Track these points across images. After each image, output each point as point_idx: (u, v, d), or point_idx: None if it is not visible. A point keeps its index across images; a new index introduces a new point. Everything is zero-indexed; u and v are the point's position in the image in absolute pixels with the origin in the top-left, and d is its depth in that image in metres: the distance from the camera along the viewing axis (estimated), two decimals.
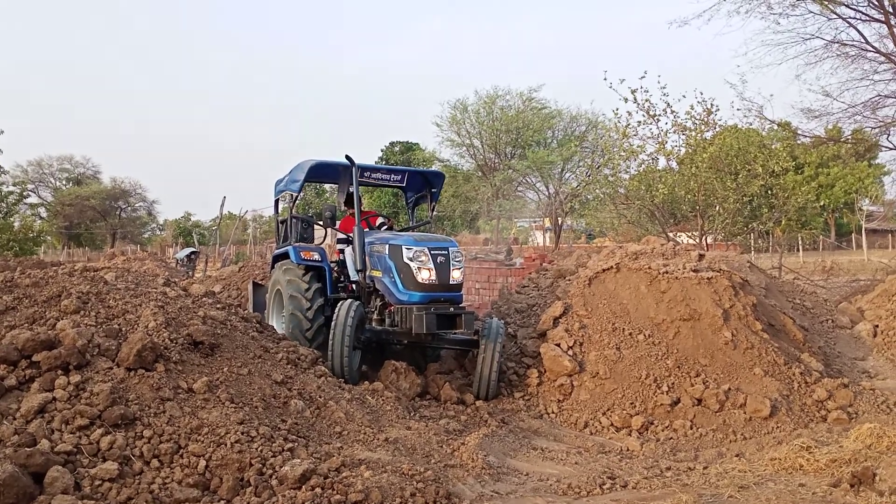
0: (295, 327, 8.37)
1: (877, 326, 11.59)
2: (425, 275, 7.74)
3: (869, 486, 5.39)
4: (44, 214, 57.94)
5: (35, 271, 6.74)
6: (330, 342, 7.51)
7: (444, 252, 7.87)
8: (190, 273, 24.57)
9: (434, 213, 10.26)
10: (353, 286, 8.99)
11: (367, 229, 9.13)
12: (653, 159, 18.05)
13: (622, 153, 18.16)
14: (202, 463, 4.93)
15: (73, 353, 5.33)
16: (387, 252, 8.00)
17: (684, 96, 18.12)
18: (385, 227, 9.99)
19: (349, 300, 7.91)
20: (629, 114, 17.53)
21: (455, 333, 8.13)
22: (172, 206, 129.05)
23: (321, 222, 9.64)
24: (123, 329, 5.98)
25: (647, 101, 17.24)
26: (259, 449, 5.13)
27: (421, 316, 7.58)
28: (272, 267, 9.72)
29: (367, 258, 8.53)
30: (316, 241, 10.10)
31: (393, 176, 9.84)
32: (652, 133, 17.72)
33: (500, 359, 8.14)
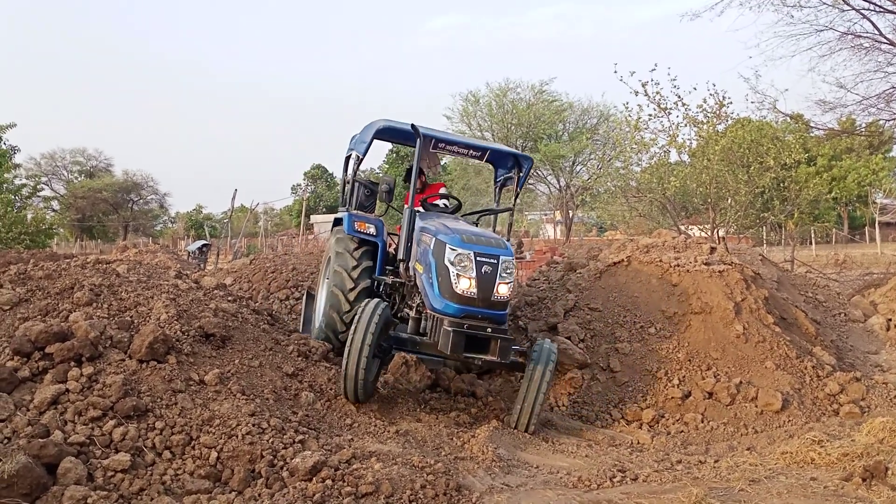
0: (333, 306, 7.68)
1: (890, 320, 11.54)
2: (464, 284, 6.41)
3: (881, 481, 5.37)
4: (56, 207, 58.28)
5: (48, 264, 6.79)
6: (347, 348, 6.37)
7: (492, 260, 6.50)
8: (201, 265, 24.64)
9: (518, 199, 9.02)
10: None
11: (420, 210, 8.03)
12: (664, 152, 18.00)
13: (633, 146, 18.11)
14: (214, 454, 4.96)
15: (86, 345, 5.37)
16: (431, 247, 6.79)
17: (695, 88, 18.08)
18: (444, 207, 8.61)
19: (375, 300, 6.66)
20: (640, 107, 17.48)
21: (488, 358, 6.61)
22: (184, 198, 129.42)
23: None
24: (135, 321, 6.02)
25: (657, 93, 17.18)
26: (270, 441, 5.16)
27: (449, 333, 6.32)
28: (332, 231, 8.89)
29: (413, 246, 7.41)
30: (378, 212, 9.09)
31: (472, 152, 8.45)
32: (663, 126, 17.67)
33: (548, 389, 6.97)
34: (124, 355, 5.54)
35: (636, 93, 17.22)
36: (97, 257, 7.58)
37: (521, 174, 8.57)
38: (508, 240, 7.83)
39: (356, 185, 8.72)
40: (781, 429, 7.49)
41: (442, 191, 8.90)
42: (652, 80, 17.11)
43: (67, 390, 5.09)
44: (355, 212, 8.37)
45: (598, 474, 5.77)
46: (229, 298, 7.53)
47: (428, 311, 6.87)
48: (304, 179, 70.27)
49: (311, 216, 54.06)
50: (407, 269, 7.51)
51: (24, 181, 26.92)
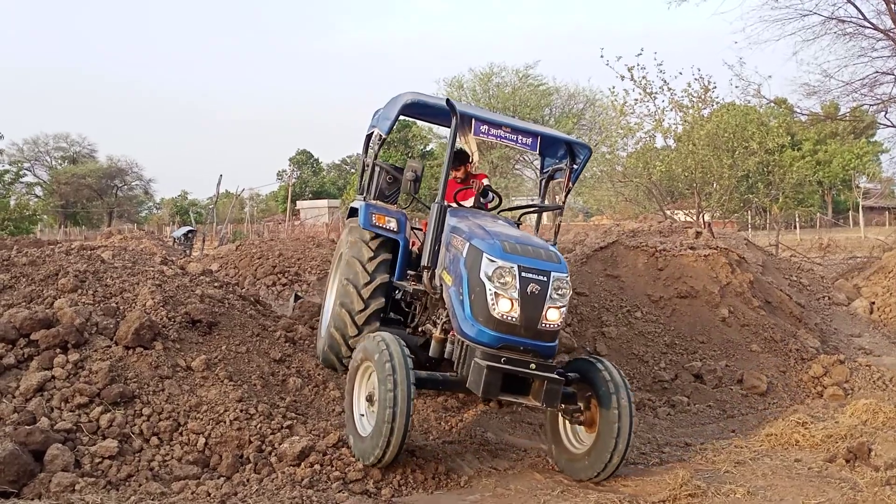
0: (345, 304, 6.39)
1: (873, 303, 11.65)
2: (504, 306, 5.01)
3: (864, 462, 5.44)
4: (40, 193, 57.78)
5: (32, 250, 6.74)
6: (389, 408, 4.79)
7: (541, 277, 5.09)
8: (187, 252, 24.52)
9: (569, 196, 7.30)
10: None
11: (453, 205, 6.43)
12: (650, 137, 18.04)
13: (619, 131, 18.13)
14: (201, 440, 4.96)
15: (72, 332, 5.34)
16: (464, 254, 5.37)
17: (681, 73, 18.05)
18: (480, 202, 6.86)
19: (386, 336, 5.24)
20: (626, 91, 17.49)
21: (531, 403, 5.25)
22: (169, 184, 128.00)
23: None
24: (121, 307, 5.98)
25: (643, 78, 17.20)
26: (258, 426, 5.16)
27: (480, 370, 5.00)
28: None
29: (441, 250, 5.92)
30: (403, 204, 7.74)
31: (521, 137, 6.39)
32: (649, 111, 17.70)
33: (631, 438, 5.34)
34: (110, 342, 5.52)
35: (622, 77, 17.23)
36: (82, 244, 7.52)
37: (576, 166, 6.85)
38: (555, 244, 6.58)
39: (377, 168, 7.40)
40: (766, 411, 7.56)
41: (484, 181, 7.23)
42: (638, 65, 17.13)
43: (53, 377, 5.07)
44: (374, 202, 7.03)
45: None
46: (216, 284, 7.50)
47: (456, 334, 5.46)
48: (290, 165, 69.88)
49: (297, 202, 53.86)
50: (432, 277, 6.00)
51: (6, 167, 26.68)
